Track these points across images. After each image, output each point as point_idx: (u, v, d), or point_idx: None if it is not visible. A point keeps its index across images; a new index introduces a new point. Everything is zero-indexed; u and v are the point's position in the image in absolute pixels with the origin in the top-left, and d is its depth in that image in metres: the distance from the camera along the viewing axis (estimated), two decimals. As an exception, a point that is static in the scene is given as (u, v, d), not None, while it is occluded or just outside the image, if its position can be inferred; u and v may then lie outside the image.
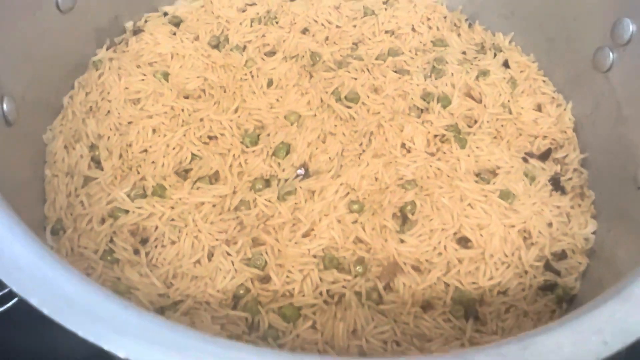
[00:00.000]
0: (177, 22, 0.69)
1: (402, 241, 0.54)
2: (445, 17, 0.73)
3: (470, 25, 0.74)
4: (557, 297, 0.53)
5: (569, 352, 0.31)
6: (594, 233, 0.57)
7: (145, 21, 0.69)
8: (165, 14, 0.70)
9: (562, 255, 0.55)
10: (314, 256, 0.53)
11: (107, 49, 0.65)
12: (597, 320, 0.32)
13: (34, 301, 0.30)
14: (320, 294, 0.51)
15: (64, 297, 0.31)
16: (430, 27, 0.72)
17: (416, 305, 0.51)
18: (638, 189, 0.51)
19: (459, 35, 0.72)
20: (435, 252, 0.54)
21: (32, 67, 0.54)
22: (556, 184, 0.60)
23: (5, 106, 0.47)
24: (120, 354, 0.29)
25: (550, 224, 0.57)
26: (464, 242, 0.55)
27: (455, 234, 0.55)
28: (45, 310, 0.30)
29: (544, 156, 0.62)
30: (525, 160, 0.61)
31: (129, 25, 0.68)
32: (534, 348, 0.32)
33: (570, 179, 0.61)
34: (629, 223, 0.52)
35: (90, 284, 0.32)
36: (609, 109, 0.58)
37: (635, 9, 0.54)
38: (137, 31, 0.67)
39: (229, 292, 0.50)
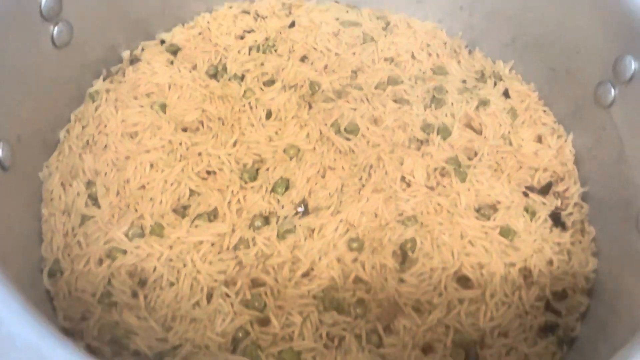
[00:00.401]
0: (174, 50, 0.68)
1: (402, 280, 0.54)
2: (445, 43, 0.73)
3: (470, 52, 0.73)
4: (557, 338, 0.53)
5: None
6: (594, 271, 0.57)
7: (142, 49, 0.68)
8: (163, 41, 0.69)
9: (562, 295, 0.55)
10: (314, 297, 0.52)
11: (103, 80, 0.64)
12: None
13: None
14: (320, 336, 0.50)
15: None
16: (430, 54, 0.71)
17: (416, 348, 0.51)
18: (638, 232, 0.50)
19: (459, 62, 0.71)
20: (435, 292, 0.53)
21: (28, 107, 0.53)
22: (556, 219, 0.60)
23: (0, 153, 0.46)
24: None
25: (550, 262, 0.56)
26: (464, 281, 0.55)
27: (455, 272, 0.55)
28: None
29: (545, 190, 0.62)
30: (525, 194, 0.61)
31: (126, 54, 0.66)
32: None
33: (571, 213, 0.60)
34: (630, 266, 0.52)
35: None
36: (611, 145, 0.58)
37: (638, 46, 0.54)
38: (134, 60, 0.66)
39: (228, 335, 0.50)
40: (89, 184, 0.57)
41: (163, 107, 0.62)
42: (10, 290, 0.33)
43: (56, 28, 0.54)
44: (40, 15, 0.52)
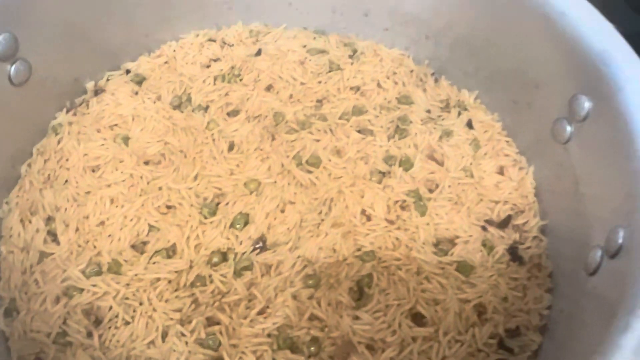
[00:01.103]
0: (139, 81, 0.68)
1: (357, 318, 0.54)
2: (411, 71, 0.73)
3: (436, 80, 0.73)
4: (508, 376, 0.54)
5: None
6: (548, 308, 0.57)
7: (107, 80, 0.68)
8: (128, 71, 0.69)
9: (515, 332, 0.56)
10: (269, 335, 0.53)
11: (66, 112, 0.64)
12: None
13: None
14: (273, 376, 0.51)
15: None
16: (396, 83, 0.71)
17: (368, 387, 0.51)
18: (588, 276, 0.51)
19: (424, 90, 0.71)
20: (389, 330, 0.54)
21: (-14, 147, 0.53)
22: (514, 253, 0.60)
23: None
24: None
25: (505, 298, 0.57)
26: (419, 318, 0.55)
27: (410, 309, 0.55)
28: None
29: (504, 223, 0.62)
30: (484, 229, 0.61)
31: (90, 85, 0.66)
32: None
33: (529, 247, 0.61)
34: (581, 305, 0.52)
35: None
36: (568, 181, 0.58)
37: (592, 87, 0.54)
38: (98, 91, 0.66)
39: (181, 374, 0.51)
40: (49, 219, 0.57)
41: (126, 139, 0.63)
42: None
43: (13, 67, 0.54)
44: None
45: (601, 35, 0.54)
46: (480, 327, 0.55)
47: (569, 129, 0.58)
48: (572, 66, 0.55)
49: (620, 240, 0.47)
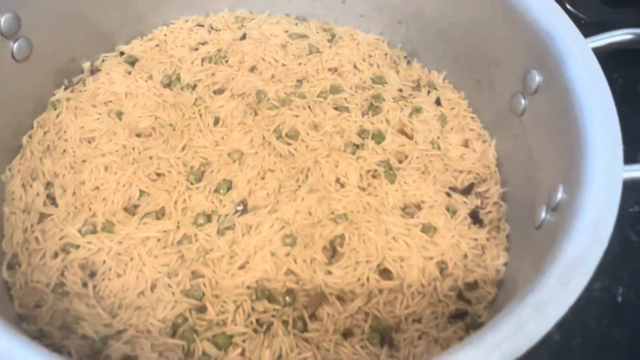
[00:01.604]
0: (132, 62, 0.73)
1: (329, 272, 0.59)
2: (386, 54, 0.78)
3: (409, 63, 0.78)
4: (466, 325, 0.58)
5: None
6: (505, 265, 0.62)
7: (103, 60, 0.73)
8: (122, 53, 0.74)
9: (474, 286, 0.61)
10: (248, 287, 0.58)
11: (64, 89, 0.69)
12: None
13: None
14: (251, 322, 0.56)
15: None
16: (371, 65, 0.76)
17: (337, 333, 0.56)
18: (535, 229, 0.56)
19: (397, 72, 0.76)
20: (358, 283, 0.59)
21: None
22: (475, 217, 0.65)
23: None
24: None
25: (465, 256, 0.62)
26: (386, 273, 0.60)
27: (378, 265, 0.60)
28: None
29: (467, 190, 0.67)
30: (448, 194, 0.66)
31: (87, 65, 0.72)
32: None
33: (489, 212, 0.66)
34: (529, 259, 0.57)
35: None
36: (523, 150, 0.64)
37: (541, 61, 0.59)
38: (94, 71, 0.71)
39: (168, 321, 0.55)
40: (48, 185, 0.62)
41: (119, 114, 0.68)
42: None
43: (16, 44, 0.59)
44: (0, 34, 0.57)
45: (549, 14, 0.59)
46: (441, 281, 0.60)
47: (523, 102, 0.63)
48: (524, 43, 0.61)
49: (559, 195, 0.52)
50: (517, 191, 0.65)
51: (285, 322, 0.56)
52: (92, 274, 0.57)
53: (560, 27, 0.58)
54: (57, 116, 0.67)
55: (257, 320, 0.56)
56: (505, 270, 0.62)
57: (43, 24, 0.63)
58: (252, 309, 0.57)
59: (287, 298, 0.57)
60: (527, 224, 0.60)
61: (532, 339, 0.39)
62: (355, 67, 0.76)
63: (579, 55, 0.56)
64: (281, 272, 0.59)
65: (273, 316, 0.56)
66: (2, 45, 0.58)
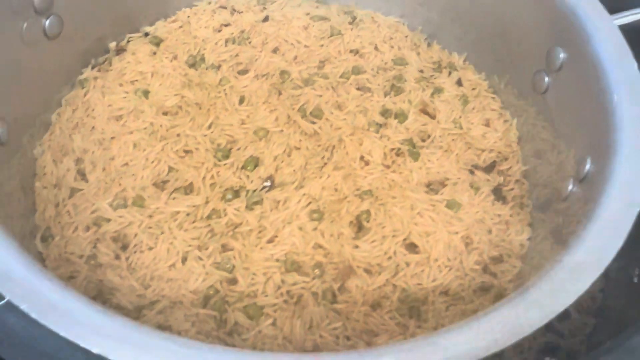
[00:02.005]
0: (157, 42, 0.74)
1: (356, 247, 0.60)
2: (406, 37, 0.79)
3: (429, 45, 0.79)
4: (492, 297, 0.59)
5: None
6: (528, 239, 0.63)
7: (128, 41, 0.74)
8: (147, 34, 0.75)
9: (499, 260, 0.62)
10: (277, 260, 0.58)
11: (92, 68, 0.70)
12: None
13: (24, 307, 0.36)
14: (281, 294, 0.56)
15: (49, 303, 0.36)
16: (392, 47, 0.77)
17: (366, 304, 0.57)
18: (562, 201, 0.57)
19: (418, 54, 0.77)
20: (385, 257, 0.60)
21: (22, 90, 0.59)
22: (498, 194, 0.66)
23: (-1, 131, 0.52)
24: (94, 350, 0.34)
25: (490, 231, 0.63)
26: (412, 247, 0.61)
27: (404, 240, 0.61)
28: (34, 315, 0.36)
29: (489, 168, 0.68)
30: (471, 172, 0.67)
31: (112, 45, 0.72)
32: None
33: (512, 189, 0.67)
34: (554, 232, 0.58)
35: (71, 292, 0.37)
36: (546, 127, 0.64)
37: (565, 38, 0.60)
38: (120, 51, 0.72)
39: (200, 292, 0.56)
40: (78, 161, 0.63)
41: (146, 93, 0.68)
42: (3, 231, 0.40)
43: (48, 21, 0.60)
44: (34, 10, 0.58)
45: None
46: (467, 255, 0.61)
47: (546, 79, 0.64)
48: (548, 20, 0.62)
49: (587, 167, 0.53)
50: (538, 167, 0.66)
51: (314, 294, 0.57)
52: (124, 247, 0.58)
53: (584, 3, 0.59)
54: (85, 94, 0.68)
55: (287, 292, 0.57)
56: (529, 245, 0.63)
57: (73, 2, 0.63)
58: (282, 281, 0.57)
59: (316, 271, 0.58)
60: (551, 198, 0.61)
61: (570, 297, 0.39)
62: (376, 48, 0.77)
63: (604, 31, 0.56)
64: (309, 246, 0.59)
65: (303, 288, 0.57)
66: (35, 21, 0.59)
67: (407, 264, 0.59)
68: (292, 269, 0.58)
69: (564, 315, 0.56)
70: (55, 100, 0.67)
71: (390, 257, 0.60)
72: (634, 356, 0.37)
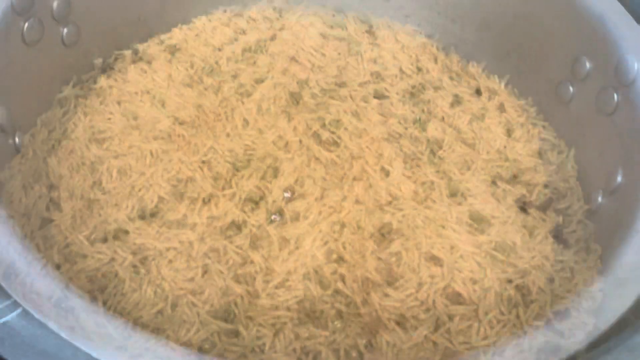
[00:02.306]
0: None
1: (386, 295, 0.57)
2: (436, 59, 0.81)
3: (463, 68, 0.80)
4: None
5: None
6: (600, 290, 0.60)
7: (115, 59, 0.76)
8: (137, 52, 0.77)
9: (565, 315, 0.58)
10: (288, 309, 0.56)
11: (73, 86, 0.71)
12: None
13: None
14: (294, 350, 0.54)
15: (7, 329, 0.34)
16: (419, 69, 0.79)
17: (401, 366, 0.53)
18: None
19: (450, 78, 0.79)
20: (422, 308, 0.57)
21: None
22: (558, 236, 0.64)
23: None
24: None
25: (551, 280, 0.60)
26: (455, 297, 0.58)
27: (445, 288, 0.58)
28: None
29: (544, 206, 0.66)
30: (523, 210, 0.65)
31: (98, 62, 0.75)
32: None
33: (574, 231, 0.65)
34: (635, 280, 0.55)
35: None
36: (615, 154, 0.63)
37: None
38: (105, 68, 0.74)
39: (193, 346, 0.53)
40: (52, 187, 0.63)
41: (134, 114, 0.70)
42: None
43: (27, 24, 0.62)
44: (12, 10, 0.59)
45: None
46: (524, 307, 0.58)
47: (615, 96, 0.63)
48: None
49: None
50: (606, 205, 0.64)
51: (335, 351, 0.54)
52: (102, 289, 0.56)
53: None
54: (64, 114, 0.69)
55: (302, 348, 0.54)
56: (602, 297, 0.59)
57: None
58: (295, 334, 0.54)
59: (337, 323, 0.55)
60: (625, 243, 0.59)
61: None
62: (401, 70, 0.79)
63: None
64: (327, 292, 0.57)
65: (320, 344, 0.54)
66: (13, 22, 0.61)
67: (450, 318, 0.57)
68: (307, 319, 0.55)
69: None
70: (29, 120, 0.67)
71: (428, 309, 0.57)
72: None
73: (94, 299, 0.55)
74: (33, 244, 0.57)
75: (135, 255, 0.58)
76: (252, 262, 0.58)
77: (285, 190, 0.64)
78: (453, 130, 0.71)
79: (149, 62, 0.76)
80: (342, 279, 0.58)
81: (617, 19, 0.65)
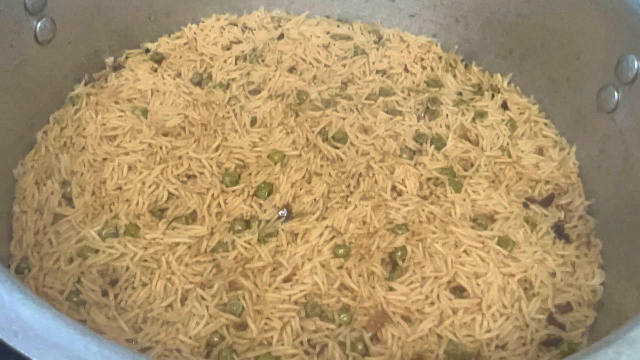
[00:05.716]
0: (159, 59, 0.76)
1: (391, 289, 0.57)
2: (440, 58, 0.80)
3: (466, 66, 0.79)
4: (561, 353, 0.55)
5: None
6: (601, 284, 0.59)
7: (126, 57, 0.75)
8: (147, 50, 0.76)
9: (567, 308, 0.58)
10: (295, 303, 0.56)
11: (85, 85, 0.71)
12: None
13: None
14: (301, 343, 0.53)
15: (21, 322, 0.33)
16: (424, 67, 0.78)
17: (406, 358, 0.53)
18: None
19: (454, 76, 0.78)
20: (427, 302, 0.57)
21: (6, 100, 0.59)
22: (560, 231, 0.63)
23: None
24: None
25: (553, 274, 0.60)
26: (458, 291, 0.58)
27: (449, 282, 0.58)
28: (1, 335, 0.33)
29: (546, 202, 0.66)
30: (525, 205, 0.65)
31: (109, 61, 0.74)
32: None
33: (575, 226, 0.64)
34: (638, 274, 0.54)
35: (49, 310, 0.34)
36: (616, 151, 0.62)
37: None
38: (117, 67, 0.73)
39: (202, 339, 0.53)
40: (64, 183, 0.62)
41: (144, 112, 0.69)
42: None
43: (39, 23, 0.61)
44: (25, 10, 0.58)
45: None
46: (526, 301, 0.57)
47: (616, 95, 0.63)
48: (618, 27, 0.61)
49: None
50: (608, 201, 0.63)
51: (342, 344, 0.53)
52: (113, 282, 0.56)
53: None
54: (76, 112, 0.68)
55: (309, 341, 0.54)
56: (603, 291, 0.59)
57: (68, 6, 0.65)
58: (301, 327, 0.54)
59: (343, 316, 0.55)
60: (629, 236, 0.58)
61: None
62: (406, 69, 0.78)
63: None
64: (334, 286, 0.57)
65: (327, 336, 0.54)
66: (26, 22, 0.60)
67: (454, 311, 0.56)
68: (314, 313, 0.55)
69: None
70: (42, 117, 0.67)
71: (432, 303, 0.57)
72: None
73: (105, 292, 0.54)
74: (46, 239, 0.58)
75: (146, 250, 0.57)
76: (260, 256, 0.58)
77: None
78: (457, 127, 0.71)
79: (158, 61, 0.75)
80: (349, 273, 0.58)
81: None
